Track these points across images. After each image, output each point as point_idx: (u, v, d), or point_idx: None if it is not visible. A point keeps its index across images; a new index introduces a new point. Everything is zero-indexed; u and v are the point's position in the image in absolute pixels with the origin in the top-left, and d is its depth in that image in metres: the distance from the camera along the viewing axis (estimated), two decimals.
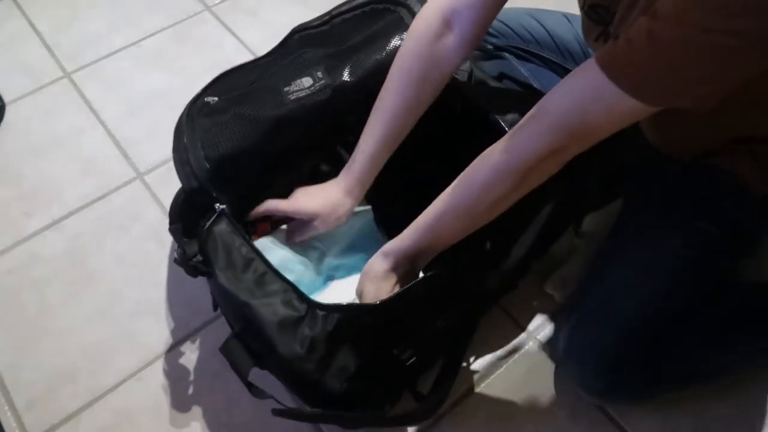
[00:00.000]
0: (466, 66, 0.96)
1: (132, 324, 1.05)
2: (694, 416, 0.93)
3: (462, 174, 0.78)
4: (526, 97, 0.90)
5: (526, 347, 1.01)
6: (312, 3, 1.19)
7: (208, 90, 0.93)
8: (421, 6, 0.94)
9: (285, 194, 0.93)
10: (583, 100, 0.66)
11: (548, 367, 0.98)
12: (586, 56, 1.00)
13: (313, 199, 0.90)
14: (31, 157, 1.28)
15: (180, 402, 0.97)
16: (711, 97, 0.63)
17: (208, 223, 0.84)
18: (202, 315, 1.05)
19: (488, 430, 0.94)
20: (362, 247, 0.97)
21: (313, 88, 0.90)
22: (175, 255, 0.85)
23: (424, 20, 0.85)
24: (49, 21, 1.53)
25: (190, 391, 0.99)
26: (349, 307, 0.79)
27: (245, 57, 1.41)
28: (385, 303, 0.78)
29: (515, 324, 1.03)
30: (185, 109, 0.91)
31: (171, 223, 0.90)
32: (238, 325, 0.81)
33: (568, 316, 0.92)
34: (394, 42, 0.93)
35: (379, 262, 0.82)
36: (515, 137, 0.73)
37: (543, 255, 0.94)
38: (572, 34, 1.05)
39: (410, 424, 0.93)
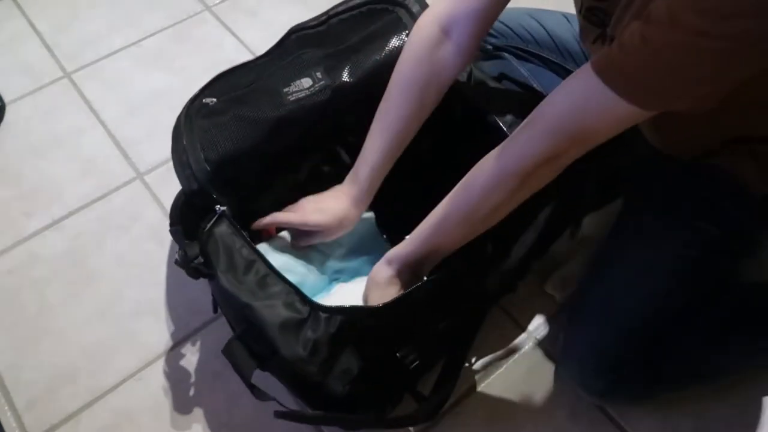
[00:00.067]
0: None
1: (132, 324, 1.05)
2: (694, 416, 0.93)
3: (461, 181, 0.78)
4: (525, 98, 0.90)
5: (526, 347, 1.01)
6: (312, 3, 1.19)
7: (205, 91, 0.93)
8: (419, 6, 0.94)
9: (285, 195, 0.93)
10: (580, 104, 0.66)
11: (548, 367, 0.98)
12: (586, 56, 1.00)
13: (321, 213, 0.89)
14: (31, 157, 1.28)
15: (180, 402, 0.97)
16: (707, 99, 0.62)
17: (208, 225, 0.84)
18: (202, 315, 1.05)
19: (488, 430, 0.94)
20: (365, 250, 0.97)
21: (312, 88, 0.90)
22: (176, 257, 0.85)
23: (422, 28, 0.85)
24: (49, 21, 1.52)
25: (191, 391, 0.99)
26: (351, 310, 0.79)
27: (245, 57, 1.40)
28: (387, 305, 0.78)
29: (515, 324, 1.03)
30: (183, 110, 0.91)
31: (172, 224, 0.90)
32: (239, 327, 0.81)
33: (568, 316, 0.92)
34: (393, 42, 0.93)
35: (383, 269, 0.83)
36: (513, 142, 0.73)
37: (543, 255, 0.94)
38: (572, 34, 1.05)
39: (411, 425, 0.93)
